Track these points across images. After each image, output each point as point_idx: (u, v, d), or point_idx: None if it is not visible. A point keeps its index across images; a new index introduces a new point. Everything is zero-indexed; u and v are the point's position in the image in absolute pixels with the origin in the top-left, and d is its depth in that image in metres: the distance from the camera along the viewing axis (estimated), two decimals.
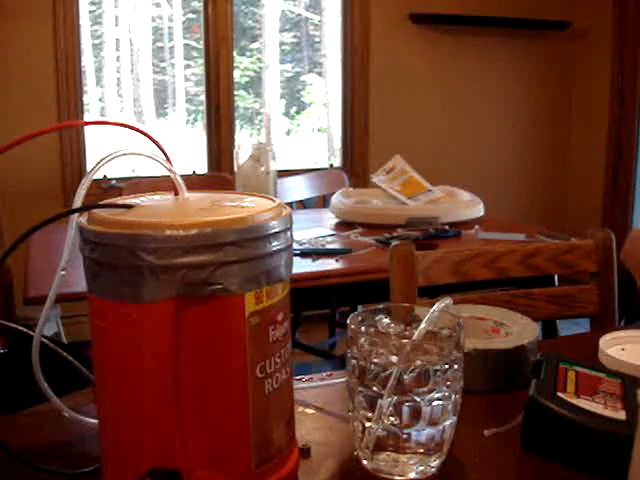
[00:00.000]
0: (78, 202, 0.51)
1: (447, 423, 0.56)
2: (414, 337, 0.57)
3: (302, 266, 1.61)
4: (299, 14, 3.77)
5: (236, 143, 3.24)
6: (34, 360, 0.54)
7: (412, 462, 0.56)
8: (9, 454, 0.57)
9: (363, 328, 0.59)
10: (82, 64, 3.18)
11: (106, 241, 0.47)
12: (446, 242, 1.86)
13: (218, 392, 0.49)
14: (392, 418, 0.54)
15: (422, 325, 0.57)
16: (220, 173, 3.05)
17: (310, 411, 0.70)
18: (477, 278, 1.33)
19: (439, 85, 3.57)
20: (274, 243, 0.50)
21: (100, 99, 3.37)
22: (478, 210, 2.15)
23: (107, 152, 0.53)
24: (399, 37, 3.41)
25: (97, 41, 3.32)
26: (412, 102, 3.50)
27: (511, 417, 0.66)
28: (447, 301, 0.58)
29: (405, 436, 0.55)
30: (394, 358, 0.55)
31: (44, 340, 0.64)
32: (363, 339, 0.57)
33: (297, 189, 2.65)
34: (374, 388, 0.54)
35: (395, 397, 0.54)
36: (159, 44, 3.75)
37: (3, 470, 0.59)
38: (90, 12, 3.22)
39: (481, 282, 1.34)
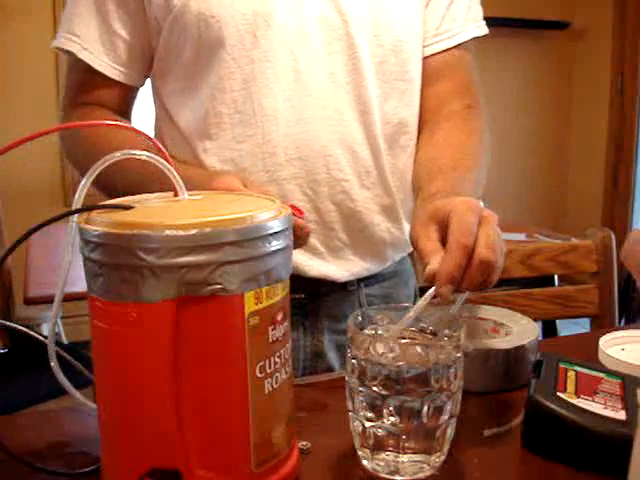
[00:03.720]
0: (78, 203, 0.51)
1: (447, 423, 0.56)
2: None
3: None
4: None
5: None
6: (51, 357, 0.53)
7: (412, 462, 0.56)
8: (9, 454, 0.57)
9: (363, 328, 0.59)
10: None
11: (106, 241, 0.47)
12: None
13: (218, 392, 0.49)
14: (392, 418, 0.54)
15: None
16: None
17: (310, 411, 0.70)
18: None
19: None
20: (274, 243, 0.50)
21: None
22: None
23: None
24: None
25: None
26: None
27: (511, 417, 0.66)
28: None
29: (405, 436, 0.55)
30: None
31: (44, 340, 0.64)
32: (363, 339, 0.57)
33: None
34: (374, 388, 0.54)
35: (395, 397, 0.54)
36: None
37: (3, 470, 0.59)
38: None
39: None
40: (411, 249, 0.99)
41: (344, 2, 0.83)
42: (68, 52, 0.87)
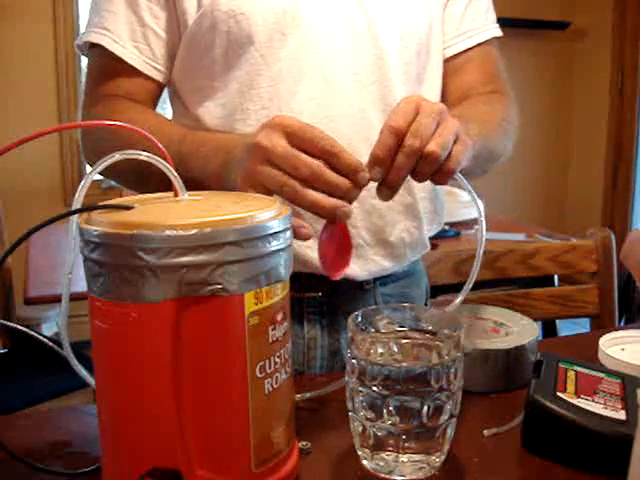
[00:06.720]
0: (78, 203, 0.51)
1: (447, 423, 0.56)
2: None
3: None
4: None
5: None
6: (65, 347, 0.53)
7: (412, 462, 0.56)
8: (9, 454, 0.57)
9: (363, 328, 0.59)
10: (82, 64, 3.17)
11: (106, 241, 0.47)
12: (446, 242, 1.86)
13: (218, 392, 0.49)
14: (392, 418, 0.54)
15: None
16: None
17: (310, 411, 0.70)
18: (477, 278, 1.32)
19: None
20: (274, 243, 0.50)
21: None
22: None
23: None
24: None
25: None
26: None
27: (511, 417, 0.66)
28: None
29: (405, 436, 0.55)
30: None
31: (44, 339, 0.64)
32: (363, 339, 0.57)
33: None
34: (374, 388, 0.54)
35: (395, 397, 0.54)
36: None
37: (3, 470, 0.59)
38: None
39: (481, 282, 1.34)
40: (427, 250, 1.00)
41: (369, 4, 0.84)
42: (98, 46, 0.85)
